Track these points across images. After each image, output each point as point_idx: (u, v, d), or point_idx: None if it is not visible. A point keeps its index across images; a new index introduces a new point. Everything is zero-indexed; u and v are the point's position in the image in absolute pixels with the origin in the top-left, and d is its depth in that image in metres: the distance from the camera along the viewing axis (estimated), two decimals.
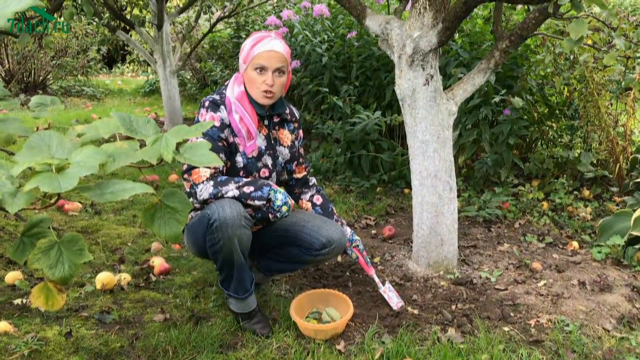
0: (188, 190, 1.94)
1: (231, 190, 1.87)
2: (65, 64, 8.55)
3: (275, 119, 2.12)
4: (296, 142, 2.21)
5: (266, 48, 1.94)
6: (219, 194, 1.87)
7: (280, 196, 1.89)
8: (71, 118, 6.42)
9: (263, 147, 2.06)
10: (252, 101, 2.00)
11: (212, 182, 1.89)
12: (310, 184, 2.29)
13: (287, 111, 2.15)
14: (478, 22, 3.79)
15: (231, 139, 1.98)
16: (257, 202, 1.89)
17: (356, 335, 1.97)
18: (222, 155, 1.94)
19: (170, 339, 1.92)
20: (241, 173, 2.01)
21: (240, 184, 1.89)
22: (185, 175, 1.92)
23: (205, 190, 1.88)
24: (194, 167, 1.90)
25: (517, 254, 2.70)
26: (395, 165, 3.85)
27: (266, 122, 2.08)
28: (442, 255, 2.47)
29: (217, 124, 1.94)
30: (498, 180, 3.53)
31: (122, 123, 0.96)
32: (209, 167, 1.90)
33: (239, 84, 2.02)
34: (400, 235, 3.01)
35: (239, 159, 2.00)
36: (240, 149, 1.99)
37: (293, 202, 1.95)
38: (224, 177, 1.92)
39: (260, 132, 2.06)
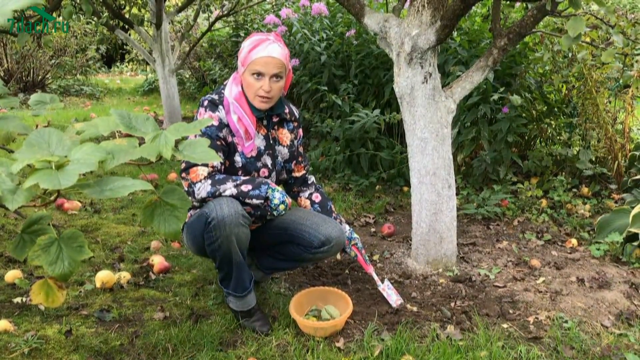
0: (186, 189, 1.94)
1: (229, 188, 1.87)
2: (64, 63, 8.54)
3: (274, 119, 2.12)
4: (295, 141, 2.21)
5: (263, 54, 1.91)
6: (217, 193, 1.87)
7: (277, 195, 1.89)
8: (70, 117, 6.42)
9: (262, 147, 2.06)
10: (250, 103, 2.00)
11: (210, 181, 1.89)
12: (309, 182, 2.30)
13: (287, 111, 2.15)
14: (476, 20, 3.79)
15: (229, 139, 1.98)
16: (254, 201, 1.89)
17: (355, 332, 1.98)
18: (220, 154, 1.94)
19: (170, 336, 1.92)
20: (240, 173, 2.01)
21: (237, 182, 1.89)
22: (183, 174, 1.93)
23: (203, 189, 1.88)
24: (192, 166, 1.90)
25: (516, 251, 2.71)
26: (394, 163, 3.86)
27: (265, 122, 2.08)
28: (441, 252, 2.48)
29: (216, 123, 1.95)
30: (497, 178, 3.53)
31: (121, 120, 0.96)
32: (207, 166, 1.91)
33: (236, 84, 2.01)
34: (399, 233, 3.02)
35: (238, 158, 2.00)
36: (239, 148, 2.00)
37: (290, 200, 1.95)
38: (221, 176, 1.92)
39: (259, 132, 2.06)
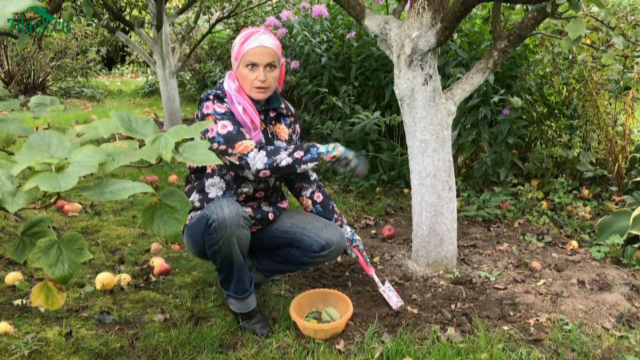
0: (237, 163, 1.88)
1: (284, 158, 1.87)
2: (64, 65, 8.55)
3: (272, 114, 2.12)
4: (294, 136, 2.21)
5: (255, 44, 1.94)
6: (274, 164, 1.86)
7: (326, 145, 1.92)
8: (71, 119, 6.42)
9: (263, 141, 2.07)
10: (248, 96, 2.01)
11: (264, 152, 1.88)
12: (312, 179, 2.29)
13: (283, 106, 2.16)
14: (477, 21, 3.79)
15: None
16: (309, 165, 1.90)
17: (356, 334, 1.98)
18: (244, 129, 1.94)
19: (170, 339, 1.92)
20: None
21: (290, 151, 1.90)
22: (229, 150, 1.87)
23: (259, 160, 1.86)
24: (235, 141, 1.87)
25: (517, 254, 2.70)
26: (394, 165, 3.86)
27: (262, 117, 2.09)
28: (441, 254, 2.48)
29: (213, 120, 1.94)
30: (497, 180, 3.53)
31: (121, 123, 0.96)
32: (248, 139, 1.90)
33: (233, 80, 2.03)
34: (399, 235, 3.02)
35: None
36: None
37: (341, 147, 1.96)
38: (271, 147, 1.93)
39: None
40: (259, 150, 1.88)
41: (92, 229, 3.04)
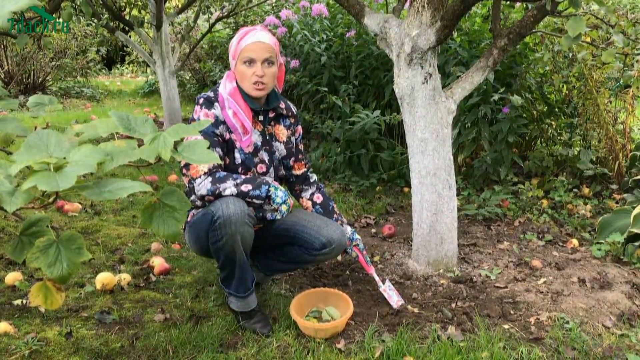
0: (187, 185, 1.94)
1: (229, 188, 1.87)
2: (64, 65, 8.55)
3: (271, 114, 2.12)
4: (293, 138, 2.20)
5: (252, 40, 1.95)
6: (217, 192, 1.87)
7: (280, 194, 1.90)
8: (70, 119, 6.42)
9: (259, 143, 2.06)
10: (246, 97, 2.01)
11: (210, 179, 1.89)
12: (311, 180, 2.29)
13: (283, 105, 2.15)
14: (477, 20, 3.79)
15: (227, 136, 1.98)
16: (255, 201, 1.89)
17: (356, 333, 1.97)
18: (218, 149, 1.94)
19: (171, 338, 1.92)
20: (240, 169, 2.01)
21: (238, 181, 1.89)
22: (184, 170, 1.92)
23: (203, 186, 1.88)
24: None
25: (517, 252, 2.70)
26: (394, 164, 3.85)
27: (261, 118, 2.09)
28: (441, 253, 2.47)
29: (211, 119, 1.95)
30: (497, 179, 3.53)
31: (120, 122, 0.96)
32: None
33: (230, 81, 2.03)
34: (400, 233, 3.01)
35: (237, 155, 2.00)
36: (237, 145, 2.00)
37: (293, 201, 1.95)
38: (222, 173, 1.92)
39: (255, 127, 2.06)
40: (207, 176, 1.89)
41: (92, 229, 3.03)
